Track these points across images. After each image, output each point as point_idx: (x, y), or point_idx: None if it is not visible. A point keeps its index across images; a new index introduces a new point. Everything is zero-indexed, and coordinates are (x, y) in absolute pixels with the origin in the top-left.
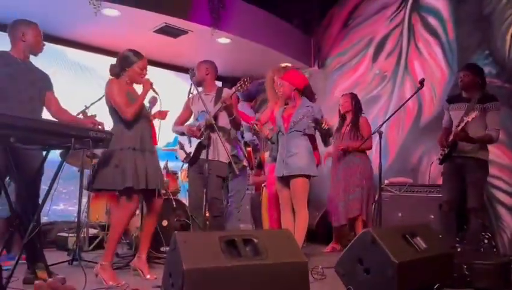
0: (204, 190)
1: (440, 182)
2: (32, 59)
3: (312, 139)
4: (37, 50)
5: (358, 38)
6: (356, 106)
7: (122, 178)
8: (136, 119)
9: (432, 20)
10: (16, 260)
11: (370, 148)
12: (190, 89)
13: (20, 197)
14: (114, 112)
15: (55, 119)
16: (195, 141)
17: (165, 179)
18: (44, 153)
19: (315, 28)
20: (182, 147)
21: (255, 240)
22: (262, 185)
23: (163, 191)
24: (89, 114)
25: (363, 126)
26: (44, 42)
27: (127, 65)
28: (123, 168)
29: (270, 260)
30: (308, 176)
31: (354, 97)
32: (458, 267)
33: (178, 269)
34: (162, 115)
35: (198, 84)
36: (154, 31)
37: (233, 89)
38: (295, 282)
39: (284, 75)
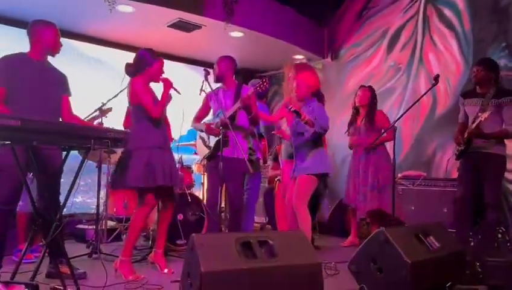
0: (220, 187)
1: (454, 175)
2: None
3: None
4: (54, 51)
5: (372, 30)
6: (373, 100)
7: (153, 177)
8: (160, 118)
9: (448, 12)
10: (41, 255)
11: (391, 139)
12: (202, 86)
13: (42, 195)
14: (138, 110)
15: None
16: (213, 138)
17: (179, 173)
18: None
19: (328, 19)
20: (204, 144)
21: (270, 242)
22: (276, 179)
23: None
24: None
25: (382, 119)
26: (62, 38)
27: (145, 65)
28: (153, 167)
29: (285, 262)
30: (315, 175)
31: (372, 91)
32: (471, 264)
33: (196, 271)
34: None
35: (217, 80)
36: (168, 26)
37: (252, 89)
38: (309, 283)
39: (299, 75)
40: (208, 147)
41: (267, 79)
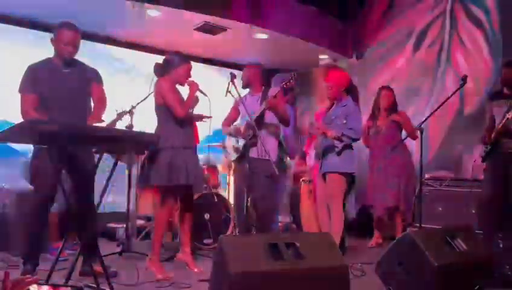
0: (246, 189)
1: (482, 176)
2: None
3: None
4: (67, 54)
5: (398, 29)
6: (395, 100)
7: (175, 176)
8: (186, 118)
9: (476, 10)
10: (76, 254)
11: (416, 137)
12: (228, 88)
13: (76, 195)
14: (163, 110)
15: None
16: (242, 141)
17: (205, 173)
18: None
19: (353, 18)
20: (234, 147)
21: (297, 244)
22: (301, 180)
23: (204, 186)
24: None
25: (405, 119)
26: (89, 41)
27: (173, 67)
28: (176, 166)
29: (312, 264)
30: (344, 174)
31: (392, 92)
32: (500, 267)
33: (225, 272)
34: (201, 117)
35: (245, 85)
36: (194, 29)
37: (279, 87)
38: (335, 285)
39: (329, 77)
40: (236, 149)
41: (294, 74)
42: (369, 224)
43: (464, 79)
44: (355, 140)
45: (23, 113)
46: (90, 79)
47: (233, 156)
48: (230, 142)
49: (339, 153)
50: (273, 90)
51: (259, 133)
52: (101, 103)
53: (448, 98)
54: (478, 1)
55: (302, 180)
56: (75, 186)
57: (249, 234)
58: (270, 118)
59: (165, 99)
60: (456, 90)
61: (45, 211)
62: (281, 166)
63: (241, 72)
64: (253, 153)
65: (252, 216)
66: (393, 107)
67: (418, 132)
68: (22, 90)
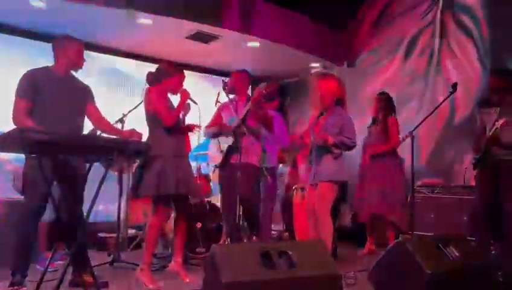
0: (234, 195)
1: (473, 183)
2: None
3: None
4: (77, 66)
5: (389, 37)
6: (386, 105)
7: (165, 185)
8: (175, 126)
9: (465, 18)
10: (65, 264)
11: (396, 146)
12: (218, 97)
13: (66, 205)
14: (153, 119)
15: (99, 130)
16: (226, 145)
17: (198, 182)
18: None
19: (345, 26)
20: (219, 150)
21: (290, 252)
22: (293, 187)
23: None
24: (126, 121)
25: (391, 126)
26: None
27: (164, 76)
28: (166, 175)
29: (305, 273)
30: (336, 182)
31: (382, 98)
32: (492, 274)
33: (217, 281)
34: (192, 128)
35: (231, 91)
36: (186, 38)
37: (258, 90)
38: None
39: (323, 85)
40: (222, 152)
41: (274, 81)
42: (362, 232)
43: (454, 87)
44: (351, 148)
45: (17, 120)
46: (85, 95)
47: (217, 163)
48: (214, 147)
49: (335, 158)
50: (255, 92)
51: (245, 133)
52: (103, 119)
53: (438, 106)
54: (467, 10)
55: (295, 188)
56: (64, 196)
57: (241, 243)
58: (253, 123)
59: (155, 108)
60: (446, 98)
61: (35, 221)
62: (264, 172)
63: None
64: (236, 158)
65: (244, 224)
66: (383, 113)
67: (409, 139)
68: (20, 94)
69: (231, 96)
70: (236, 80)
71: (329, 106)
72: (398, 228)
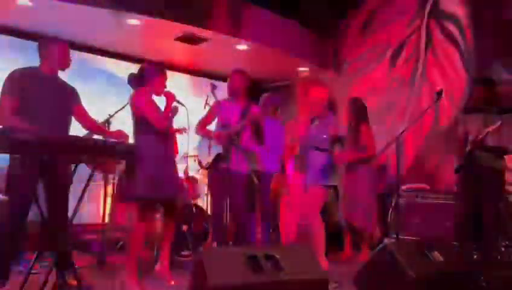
0: (224, 200)
1: (456, 188)
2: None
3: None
4: (63, 66)
5: (375, 44)
6: (356, 112)
7: (153, 189)
8: (165, 130)
9: (450, 26)
10: (49, 267)
11: (372, 157)
12: (207, 99)
13: (50, 206)
14: (139, 121)
15: (85, 131)
16: (214, 151)
17: (184, 184)
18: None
19: (333, 31)
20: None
21: (277, 256)
22: (279, 190)
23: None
24: (112, 122)
25: (363, 134)
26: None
27: (148, 78)
28: (152, 178)
29: (291, 277)
30: (325, 186)
31: (353, 103)
32: (475, 279)
33: (204, 284)
34: (180, 131)
35: (231, 94)
36: (175, 39)
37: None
38: None
39: (313, 92)
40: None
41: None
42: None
43: (440, 93)
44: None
45: (2, 118)
46: (72, 96)
47: (206, 164)
48: (204, 147)
49: (327, 163)
50: (256, 108)
51: (237, 144)
52: (91, 120)
53: (425, 111)
54: (452, 18)
55: (281, 191)
56: (48, 197)
57: (228, 246)
58: (246, 136)
59: (144, 112)
60: (432, 105)
61: (18, 221)
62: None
63: (221, 83)
64: (229, 164)
65: (231, 228)
66: (354, 118)
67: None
68: (5, 92)
69: (226, 97)
70: (237, 82)
71: (322, 113)
72: (361, 234)
